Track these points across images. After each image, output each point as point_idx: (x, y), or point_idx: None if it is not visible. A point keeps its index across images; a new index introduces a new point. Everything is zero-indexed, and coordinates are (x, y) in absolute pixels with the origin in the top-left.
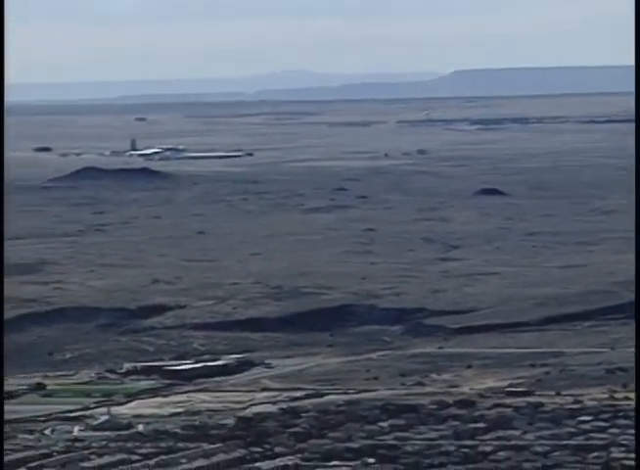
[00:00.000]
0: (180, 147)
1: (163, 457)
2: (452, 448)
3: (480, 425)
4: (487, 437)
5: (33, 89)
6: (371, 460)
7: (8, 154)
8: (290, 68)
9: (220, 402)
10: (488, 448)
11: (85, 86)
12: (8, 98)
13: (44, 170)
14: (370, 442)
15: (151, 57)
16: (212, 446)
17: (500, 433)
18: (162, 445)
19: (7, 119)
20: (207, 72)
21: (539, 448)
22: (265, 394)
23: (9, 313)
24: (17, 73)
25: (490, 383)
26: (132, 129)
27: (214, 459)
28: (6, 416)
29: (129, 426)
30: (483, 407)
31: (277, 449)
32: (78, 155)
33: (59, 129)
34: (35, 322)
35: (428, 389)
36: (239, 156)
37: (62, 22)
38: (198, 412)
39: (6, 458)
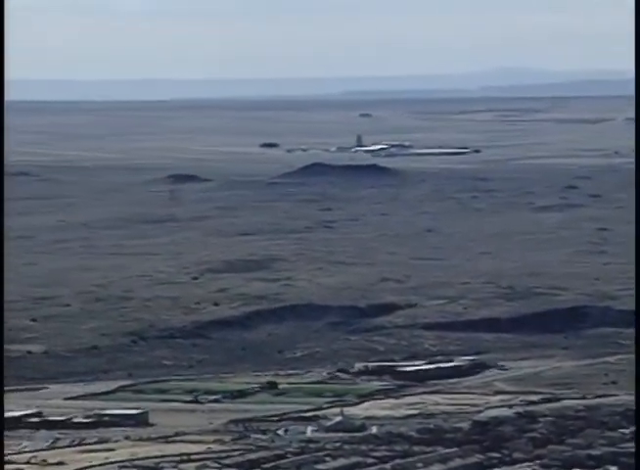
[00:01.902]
0: (406, 143)
1: (399, 461)
2: None
3: None
4: None
5: (241, 84)
6: (613, 469)
7: (235, 149)
8: (508, 64)
9: (454, 405)
10: None
11: (301, 82)
12: (225, 93)
13: (271, 166)
14: (612, 449)
15: (367, 52)
16: (448, 451)
17: None
18: (397, 448)
19: (227, 114)
20: (427, 69)
21: None
22: (500, 397)
23: (239, 310)
24: (219, 68)
25: None
26: (357, 125)
27: (451, 464)
28: (239, 415)
29: (363, 428)
30: None
31: (515, 455)
32: (305, 151)
33: (283, 125)
34: (265, 319)
35: None
36: (466, 153)
37: (284, 17)
38: (432, 415)
39: (242, 458)
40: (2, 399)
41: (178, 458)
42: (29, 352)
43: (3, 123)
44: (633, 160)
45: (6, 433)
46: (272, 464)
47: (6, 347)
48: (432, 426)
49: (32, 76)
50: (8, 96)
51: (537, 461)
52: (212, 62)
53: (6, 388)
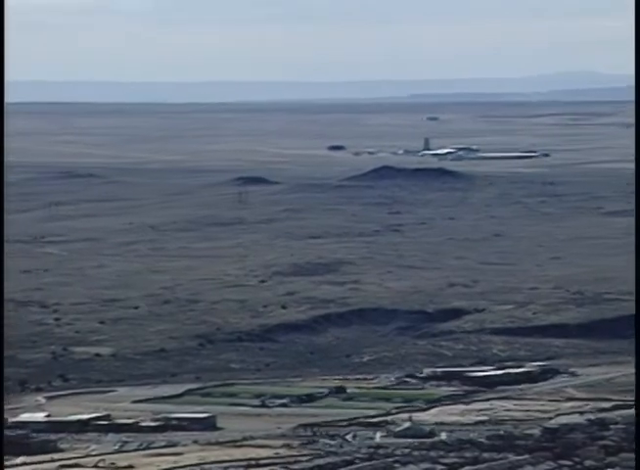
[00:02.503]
0: (473, 147)
1: (469, 468)
2: None
3: None
4: None
5: (306, 87)
6: None
7: (302, 151)
8: (571, 68)
9: (524, 411)
10: None
11: (367, 85)
12: (289, 96)
13: (339, 169)
14: None
15: (437, 57)
16: (519, 458)
17: None
18: (467, 454)
19: (292, 117)
20: (491, 73)
21: None
22: (571, 403)
23: (307, 314)
24: (282, 71)
25: None
26: (424, 128)
27: None
28: (307, 420)
29: (432, 434)
30: None
31: (587, 463)
32: (372, 154)
33: (349, 128)
34: (333, 323)
35: None
36: (534, 156)
37: (352, 22)
38: (502, 421)
39: (310, 463)
40: (2, 399)
41: (246, 463)
42: (97, 355)
43: (3, 123)
44: None
45: (74, 436)
46: None
47: (74, 349)
48: (501, 432)
49: (101, 78)
50: (74, 97)
51: (609, 469)
52: (276, 64)
53: (74, 390)
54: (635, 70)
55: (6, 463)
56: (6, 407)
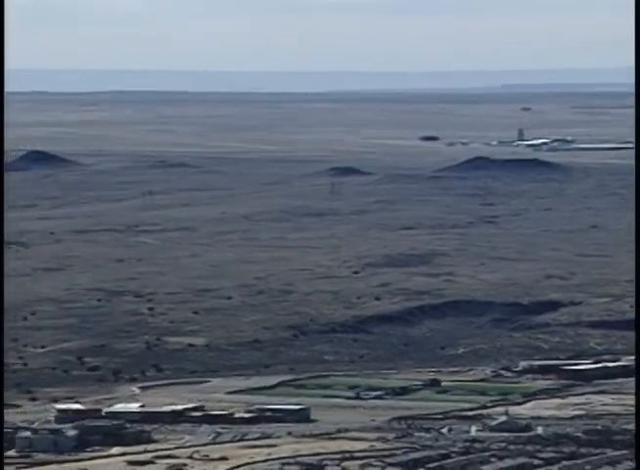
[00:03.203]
0: (568, 138)
1: (566, 463)
2: None
3: None
4: None
5: (395, 77)
6: None
7: (394, 142)
8: None
9: (622, 406)
10: None
11: (459, 75)
12: (377, 86)
13: (432, 160)
14: None
15: (528, 47)
16: (617, 453)
17: None
18: (564, 449)
19: (383, 107)
20: (584, 63)
21: None
22: None
23: (401, 305)
24: (372, 61)
25: None
26: (517, 119)
27: (620, 467)
28: (402, 413)
29: (528, 428)
30: None
31: None
32: (465, 144)
33: (442, 118)
34: (427, 315)
35: None
36: (630, 148)
37: (438, 13)
38: (599, 416)
39: (406, 457)
40: (2, 399)
41: (341, 456)
42: (191, 345)
43: (3, 123)
44: None
45: (168, 426)
46: (436, 464)
47: (168, 339)
48: (599, 427)
49: (193, 67)
50: (164, 86)
51: None
52: (367, 54)
53: (167, 381)
54: (635, 70)
55: (101, 453)
56: (100, 397)
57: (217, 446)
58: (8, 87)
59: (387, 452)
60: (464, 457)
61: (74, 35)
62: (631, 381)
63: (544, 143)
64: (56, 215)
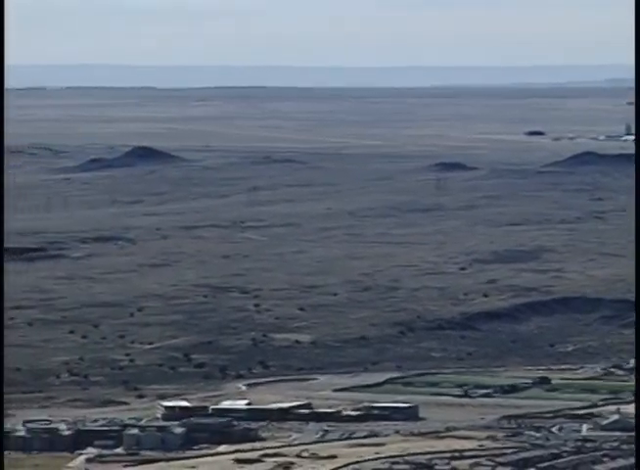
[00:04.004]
0: None
1: None
2: None
3: None
4: None
5: (491, 72)
6: None
7: (499, 136)
8: None
9: None
10: None
11: (560, 70)
12: (474, 80)
13: (538, 154)
14: None
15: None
16: None
17: None
18: None
19: (483, 101)
20: None
21: None
22: None
23: (508, 302)
24: (468, 55)
25: None
26: (624, 113)
27: None
28: (511, 411)
29: None
30: None
31: None
32: (571, 139)
33: (545, 113)
34: (535, 311)
35: None
36: None
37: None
38: None
39: (516, 456)
40: (2, 399)
41: (450, 455)
42: (297, 342)
43: (3, 123)
44: None
45: (275, 424)
46: (547, 463)
47: (274, 335)
48: None
49: (291, 63)
50: (265, 82)
51: None
52: (473, 49)
53: (274, 378)
54: (635, 69)
55: (209, 451)
56: (207, 394)
57: (325, 444)
58: (117, 83)
59: (497, 451)
60: (575, 457)
61: (180, 32)
62: None
63: None
64: (162, 211)
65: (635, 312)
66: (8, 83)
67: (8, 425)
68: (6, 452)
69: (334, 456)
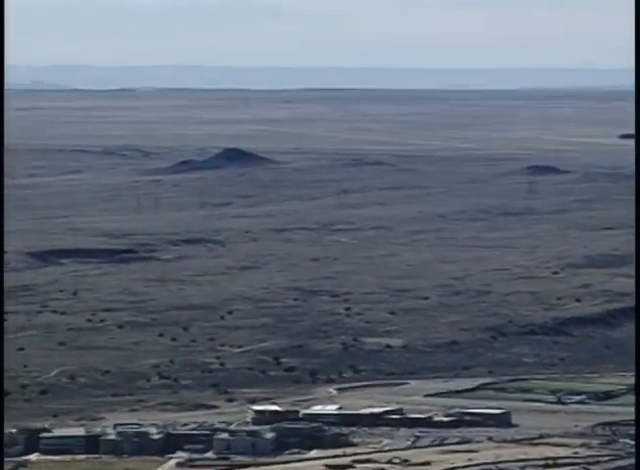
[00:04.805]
0: None
1: None
2: None
3: None
4: None
5: (582, 74)
6: None
7: (591, 139)
8: None
9: None
10: None
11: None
12: (563, 83)
13: (631, 158)
14: None
15: None
16: None
17: None
18: None
19: (575, 104)
20: None
21: None
22: None
23: (602, 307)
24: (559, 57)
25: None
26: None
27: None
28: (606, 418)
29: None
30: None
31: None
32: None
33: None
34: (629, 317)
35: None
36: None
37: None
38: None
39: (611, 464)
40: (2, 399)
41: (543, 462)
42: (388, 346)
43: (3, 124)
44: None
45: (366, 429)
46: None
47: (364, 339)
48: None
49: (393, 65)
50: (357, 84)
51: None
52: (564, 51)
53: (365, 382)
54: (635, 69)
55: (299, 456)
56: (297, 398)
57: (417, 450)
58: (206, 85)
59: (591, 459)
60: None
61: (271, 32)
62: None
63: None
64: (251, 214)
65: (635, 312)
66: (98, 85)
67: (98, 428)
68: (96, 456)
69: (427, 463)
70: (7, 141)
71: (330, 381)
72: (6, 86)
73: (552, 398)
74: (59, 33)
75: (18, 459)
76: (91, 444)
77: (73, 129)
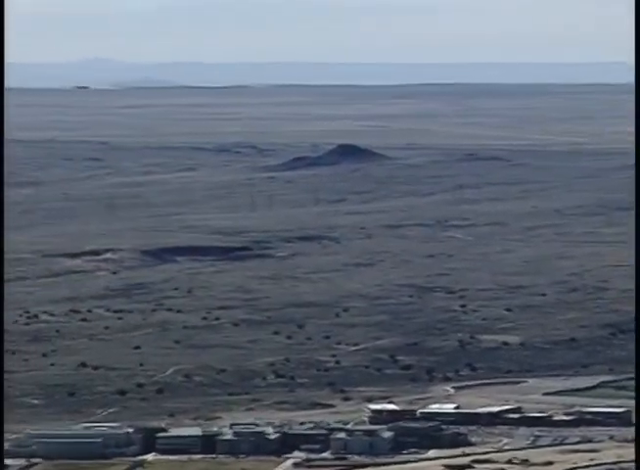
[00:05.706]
0: None
1: None
2: None
3: None
4: None
5: None
6: None
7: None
8: None
9: None
10: None
11: None
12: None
13: None
14: None
15: None
16: None
17: None
18: None
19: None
20: None
21: None
22: None
23: None
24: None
25: None
26: None
27: None
28: None
29: None
30: None
31: None
32: None
33: None
34: None
35: None
36: None
37: None
38: None
39: None
40: (2, 398)
41: None
42: (505, 344)
43: (3, 123)
44: None
45: (484, 428)
46: None
47: (481, 336)
48: None
49: (500, 59)
50: (472, 78)
51: None
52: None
53: (482, 380)
54: (635, 69)
55: (417, 456)
56: (414, 397)
57: (536, 450)
58: (318, 80)
59: None
60: None
61: (373, 29)
62: None
63: None
64: (366, 210)
65: (635, 312)
66: (208, 82)
67: (215, 428)
68: (213, 456)
69: (549, 463)
70: (116, 138)
71: (447, 379)
72: (117, 84)
73: None
74: (164, 31)
75: (134, 459)
76: (207, 443)
77: (187, 126)
